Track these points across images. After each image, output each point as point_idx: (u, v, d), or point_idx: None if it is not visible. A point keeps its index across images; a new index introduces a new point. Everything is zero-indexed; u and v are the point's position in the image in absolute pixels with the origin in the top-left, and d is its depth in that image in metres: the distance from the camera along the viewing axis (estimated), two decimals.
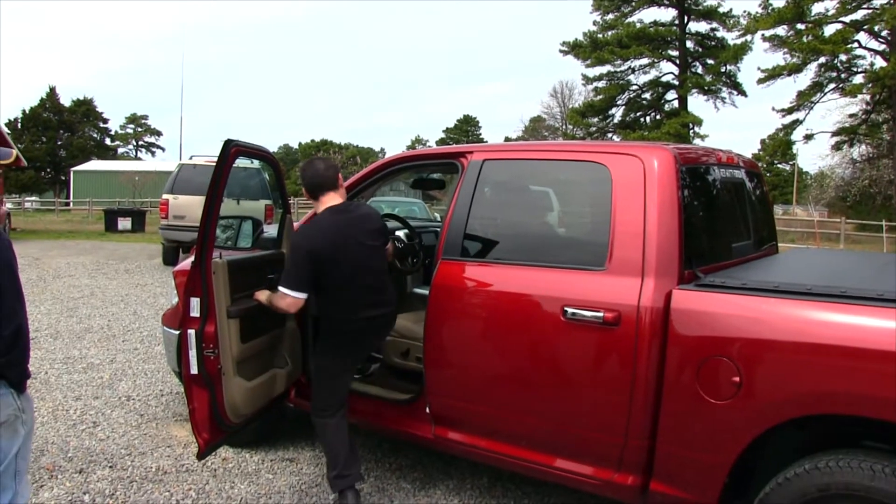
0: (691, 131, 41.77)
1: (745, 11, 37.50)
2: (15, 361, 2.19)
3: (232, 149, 3.28)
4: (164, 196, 13.61)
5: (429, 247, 4.64)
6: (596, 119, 45.15)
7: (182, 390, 4.78)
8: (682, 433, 2.75)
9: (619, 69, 43.36)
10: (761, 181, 4.09)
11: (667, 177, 2.93)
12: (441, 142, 75.76)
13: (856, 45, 33.53)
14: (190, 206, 12.60)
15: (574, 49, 42.50)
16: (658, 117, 43.68)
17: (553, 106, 64.43)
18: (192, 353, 3.16)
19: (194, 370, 3.18)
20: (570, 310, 2.95)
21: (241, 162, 11.30)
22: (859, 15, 32.50)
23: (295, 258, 3.22)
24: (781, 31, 34.39)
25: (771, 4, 34.18)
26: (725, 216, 3.55)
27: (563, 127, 60.83)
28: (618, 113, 44.94)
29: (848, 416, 2.44)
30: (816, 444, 2.62)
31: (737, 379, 2.58)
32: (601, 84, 44.25)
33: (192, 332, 3.16)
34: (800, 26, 33.60)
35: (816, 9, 33.56)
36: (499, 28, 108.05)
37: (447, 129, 77.15)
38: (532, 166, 3.46)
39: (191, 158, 14.35)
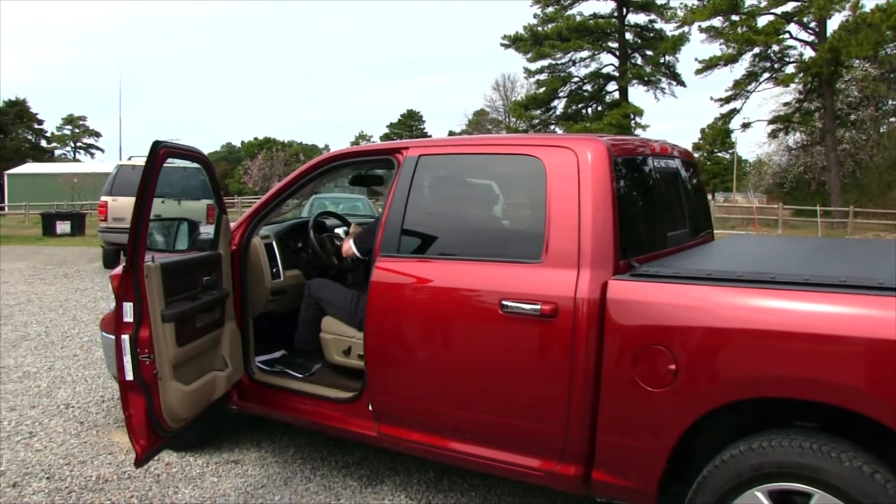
0: (633, 122, 42.47)
1: (682, 3, 38.13)
2: None
3: (160, 150, 3.23)
4: (103, 198, 13.29)
5: None
6: (539, 111, 45.59)
7: None
8: (622, 422, 2.79)
9: (560, 62, 43.87)
10: (696, 170, 4.17)
11: (600, 168, 2.96)
12: (385, 137, 75.60)
13: (787, 35, 34.50)
14: (129, 208, 12.27)
15: (515, 42, 42.82)
16: (600, 109, 44.30)
17: (496, 99, 64.72)
18: (127, 359, 3.09)
19: (129, 376, 3.11)
20: (507, 303, 2.97)
21: (181, 162, 11.11)
22: (790, 7, 33.41)
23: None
24: (717, 22, 35.17)
25: None
26: (660, 206, 3.61)
27: (507, 120, 61.18)
28: (560, 105, 45.50)
29: (778, 399, 2.51)
30: (751, 426, 2.69)
31: (673, 367, 2.63)
32: (543, 77, 44.70)
33: (125, 337, 3.09)
34: (734, 17, 34.40)
35: (750, 0, 34.34)
36: (441, 22, 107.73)
37: (391, 123, 76.88)
38: (467, 160, 3.47)
39: (129, 159, 14.02)
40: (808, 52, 34.20)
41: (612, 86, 44.63)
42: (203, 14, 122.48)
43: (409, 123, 76.88)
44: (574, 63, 43.99)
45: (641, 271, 2.86)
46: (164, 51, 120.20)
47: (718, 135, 38.82)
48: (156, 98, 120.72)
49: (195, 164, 3.86)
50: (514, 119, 52.02)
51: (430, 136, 75.61)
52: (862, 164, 36.50)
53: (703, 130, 51.90)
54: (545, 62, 43.72)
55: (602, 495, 2.97)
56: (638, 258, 3.03)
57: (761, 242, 4.54)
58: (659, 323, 2.68)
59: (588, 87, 44.92)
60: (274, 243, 4.29)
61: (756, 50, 34.87)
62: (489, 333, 3.05)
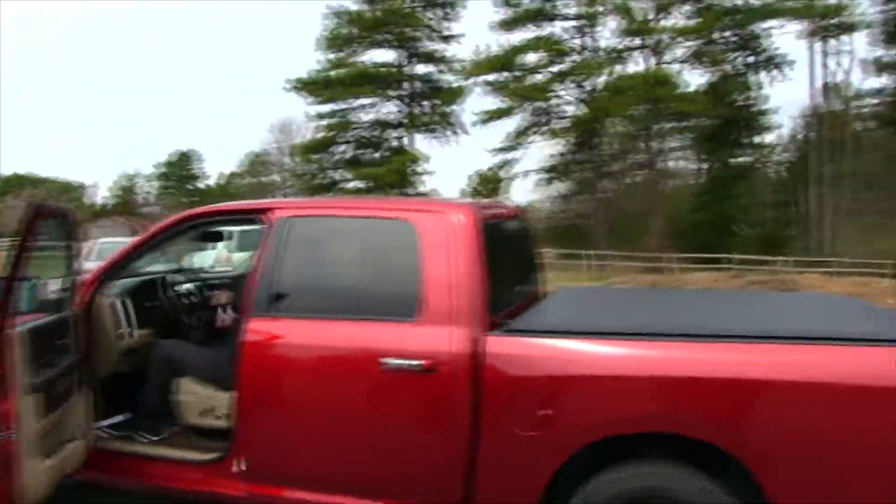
0: (416, 169, 44.01)
1: (463, 58, 40.66)
2: None
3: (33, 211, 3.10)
4: None
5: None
6: (323, 156, 45.77)
7: None
8: (499, 464, 3.03)
9: (344, 107, 44.37)
10: (530, 227, 4.60)
11: (470, 232, 3.24)
12: (162, 176, 71.62)
13: (555, 93, 37.85)
14: None
15: (302, 86, 42.85)
16: (384, 154, 45.34)
17: (272, 142, 63.13)
18: None
19: None
20: (386, 360, 3.13)
21: None
22: (560, 67, 36.75)
23: None
24: (496, 77, 37.78)
25: (488, 53, 37.44)
26: (511, 263, 3.96)
27: (286, 162, 60.44)
28: (345, 150, 45.90)
29: (636, 434, 2.90)
30: (605, 459, 3.04)
31: (545, 412, 2.93)
32: (327, 121, 44.94)
33: None
34: (512, 73, 37.19)
35: (527, 59, 37.34)
36: (211, 56, 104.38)
37: (168, 163, 72.81)
38: (340, 223, 3.61)
39: None
40: (577, 109, 37.74)
41: (396, 132, 45.86)
42: None
43: (184, 164, 73.27)
44: (359, 109, 44.74)
45: (512, 326, 3.16)
46: None
47: (489, 182, 41.37)
48: None
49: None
50: (296, 161, 51.79)
51: (208, 177, 73.09)
52: (617, 211, 40.62)
53: (472, 177, 55.01)
54: (329, 107, 44.11)
55: None
56: (500, 313, 3.33)
57: (588, 294, 5.07)
58: (532, 374, 2.97)
59: (373, 134, 45.80)
60: (124, 301, 4.12)
61: (531, 104, 37.78)
62: (369, 389, 3.19)
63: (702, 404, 2.82)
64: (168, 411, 3.99)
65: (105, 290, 3.94)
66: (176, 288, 4.60)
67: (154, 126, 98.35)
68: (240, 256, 11.61)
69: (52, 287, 3.71)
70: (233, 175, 71.06)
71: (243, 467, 3.44)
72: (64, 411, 3.45)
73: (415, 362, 3.07)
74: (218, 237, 4.40)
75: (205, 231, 4.26)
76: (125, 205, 64.46)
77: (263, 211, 3.65)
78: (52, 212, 3.37)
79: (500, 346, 3.04)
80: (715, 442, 2.79)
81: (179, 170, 72.71)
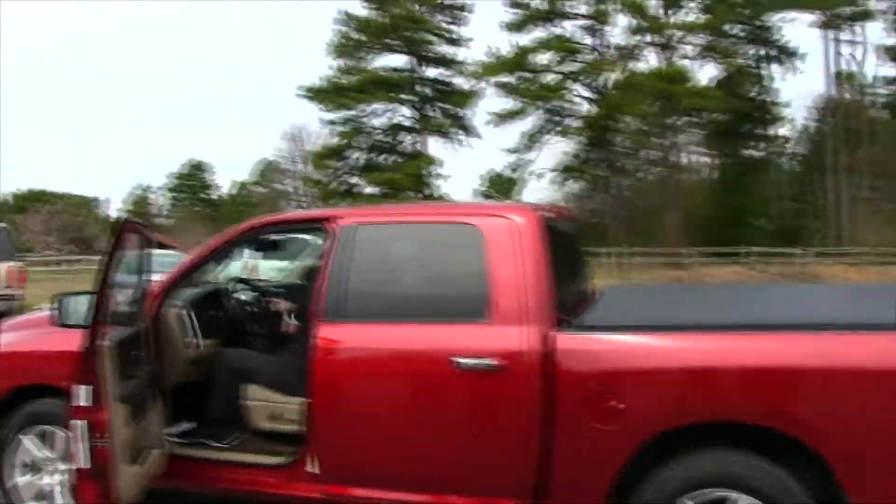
0: (432, 172, 44.12)
1: (475, 59, 40.80)
2: None
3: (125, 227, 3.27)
4: None
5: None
6: (338, 162, 45.95)
7: None
8: (574, 456, 3.16)
9: (358, 113, 44.53)
10: (581, 227, 4.73)
11: (536, 234, 3.38)
12: (174, 188, 71.96)
13: (568, 92, 37.92)
14: None
15: (314, 93, 43.07)
16: (399, 159, 45.46)
17: (284, 149, 63.25)
18: (82, 446, 3.03)
19: (84, 464, 3.04)
20: (460, 360, 3.26)
21: None
22: (573, 67, 36.81)
23: None
24: (509, 78, 37.86)
25: (499, 54, 37.55)
26: (568, 263, 4.08)
27: (299, 169, 60.59)
28: (359, 156, 46.05)
29: (703, 423, 3.02)
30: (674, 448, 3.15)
31: (618, 404, 3.05)
32: (341, 128, 45.10)
33: (81, 423, 3.03)
34: (525, 74, 37.26)
35: (539, 59, 37.44)
36: (220, 67, 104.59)
37: (180, 174, 73.20)
38: (405, 229, 3.75)
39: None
40: (590, 108, 37.80)
41: (410, 137, 45.98)
42: None
43: (197, 175, 73.62)
44: (372, 115, 44.88)
45: (580, 323, 3.29)
46: None
47: (504, 183, 41.41)
48: None
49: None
50: (311, 168, 51.97)
51: (219, 187, 73.28)
52: (633, 207, 40.59)
53: (485, 178, 55.08)
54: (343, 113, 44.29)
55: None
56: (564, 311, 3.45)
57: (636, 291, 5.20)
58: (602, 368, 3.11)
59: (386, 139, 45.92)
60: (190, 313, 4.25)
61: (545, 105, 37.85)
62: (445, 389, 3.32)
63: (776, 394, 2.94)
64: (235, 418, 4.13)
65: (171, 302, 4.08)
66: (236, 297, 4.73)
67: (161, 135, 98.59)
68: (265, 265, 11.71)
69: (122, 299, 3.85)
70: (245, 184, 71.19)
71: (317, 469, 3.57)
72: (146, 421, 3.59)
73: (489, 361, 3.20)
74: (275, 247, 4.54)
75: (264, 241, 4.40)
76: (140, 217, 64.67)
77: (327, 219, 3.78)
78: (136, 227, 3.50)
79: (570, 342, 3.17)
80: (786, 431, 2.89)
81: (192, 180, 73.12)
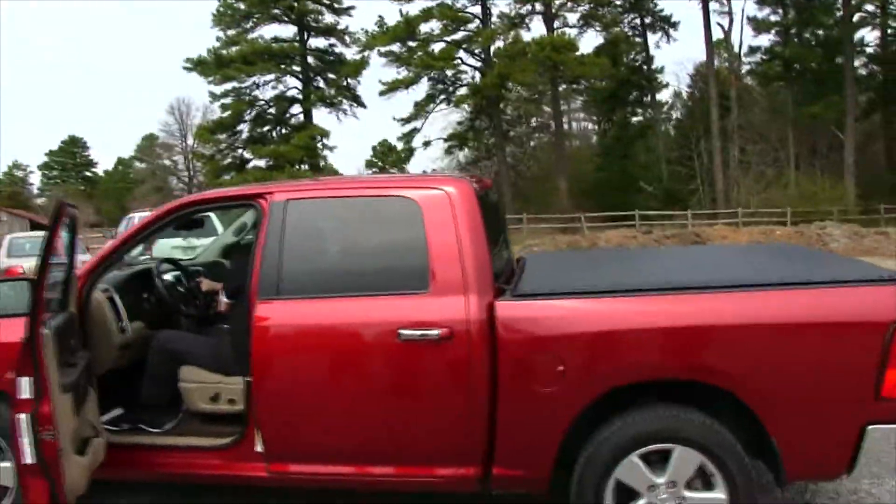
0: (320, 143, 43.51)
1: (362, 29, 40.24)
2: None
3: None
4: None
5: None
6: (225, 136, 44.71)
7: None
8: (518, 421, 3.24)
9: (244, 85, 43.34)
10: (500, 197, 4.79)
11: (471, 204, 3.42)
12: (45, 166, 68.15)
13: (459, 61, 38.05)
14: None
15: (199, 66, 41.58)
16: (286, 131, 44.59)
17: (171, 123, 60.94)
18: (26, 440, 2.87)
19: (29, 459, 2.88)
20: (404, 331, 3.28)
21: None
22: (459, 35, 36.91)
23: None
24: (396, 48, 37.59)
25: (385, 23, 37.19)
26: (495, 232, 4.14)
27: (183, 144, 58.68)
28: (246, 128, 44.93)
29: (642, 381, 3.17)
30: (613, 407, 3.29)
31: (560, 368, 3.15)
32: (228, 100, 43.82)
33: (23, 416, 2.87)
34: (412, 44, 37.09)
35: (425, 28, 37.28)
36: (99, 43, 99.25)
37: (50, 151, 69.31)
38: (340, 203, 3.69)
39: None
40: (478, 77, 38.03)
41: (297, 108, 45.14)
42: None
43: (73, 151, 69.91)
44: (259, 86, 43.78)
45: (519, 291, 3.35)
46: None
47: (394, 152, 41.33)
48: None
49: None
50: (196, 143, 50.38)
51: (95, 163, 70.12)
52: (522, 174, 41.42)
53: (374, 147, 54.97)
54: (229, 86, 42.99)
55: (501, 489, 3.39)
56: (499, 280, 3.51)
57: (558, 259, 5.33)
58: (545, 334, 3.19)
59: (273, 111, 44.93)
60: (115, 296, 4.07)
61: (433, 74, 37.84)
62: (389, 361, 3.32)
63: (703, 350, 3.12)
64: (169, 402, 4.01)
65: (96, 285, 3.90)
66: (163, 278, 4.56)
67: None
68: (162, 244, 11.33)
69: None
70: (126, 160, 68.21)
71: (262, 448, 3.52)
72: (85, 410, 3.44)
73: (433, 332, 3.23)
74: (200, 225, 4.39)
75: (189, 219, 4.24)
76: (15, 197, 60.83)
77: (258, 195, 3.69)
78: (68, 210, 3.33)
79: (511, 310, 3.23)
80: (711, 382, 3.09)
81: (70, 157, 69.45)
